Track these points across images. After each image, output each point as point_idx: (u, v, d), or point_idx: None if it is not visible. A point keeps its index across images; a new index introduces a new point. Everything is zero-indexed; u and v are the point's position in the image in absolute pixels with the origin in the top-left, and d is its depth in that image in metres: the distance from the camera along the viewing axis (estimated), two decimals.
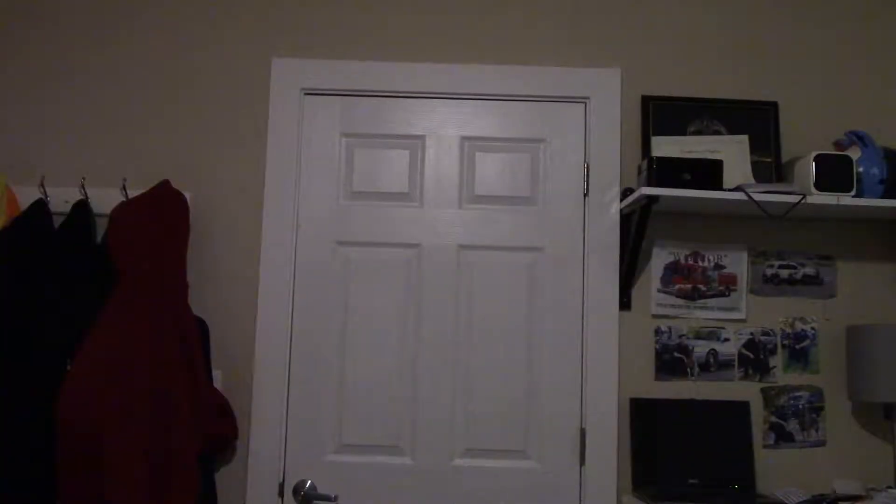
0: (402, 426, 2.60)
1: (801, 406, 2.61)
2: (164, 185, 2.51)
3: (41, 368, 2.30)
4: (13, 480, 2.25)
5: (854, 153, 2.50)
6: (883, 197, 2.46)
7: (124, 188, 2.57)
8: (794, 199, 2.42)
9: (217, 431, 2.45)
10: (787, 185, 2.51)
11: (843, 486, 2.51)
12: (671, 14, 2.75)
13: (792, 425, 2.60)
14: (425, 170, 2.69)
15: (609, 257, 2.62)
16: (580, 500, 2.56)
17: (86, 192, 2.55)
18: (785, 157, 2.65)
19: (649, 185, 2.41)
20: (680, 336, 2.63)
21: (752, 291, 2.65)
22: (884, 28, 2.76)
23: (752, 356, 2.63)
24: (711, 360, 2.62)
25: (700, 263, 2.65)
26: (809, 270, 2.66)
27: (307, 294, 2.64)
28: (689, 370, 2.62)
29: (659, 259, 2.65)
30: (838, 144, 2.62)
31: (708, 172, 2.43)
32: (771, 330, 2.64)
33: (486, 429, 2.60)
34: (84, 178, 2.57)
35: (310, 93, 2.70)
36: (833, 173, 2.42)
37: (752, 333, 2.64)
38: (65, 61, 2.70)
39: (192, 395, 2.34)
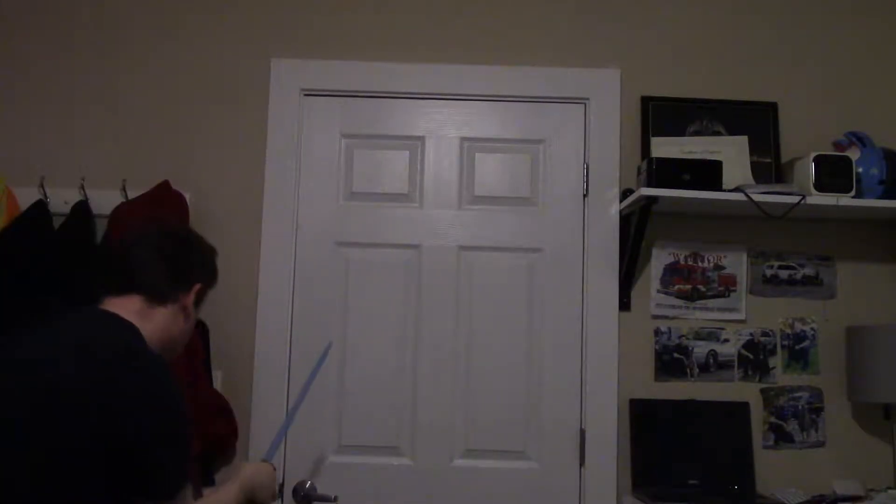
0: (402, 427, 2.60)
1: (800, 406, 2.61)
2: (164, 186, 2.51)
3: None
4: None
5: (853, 154, 2.50)
6: (882, 197, 2.46)
7: (124, 188, 2.57)
8: (793, 199, 2.42)
9: (217, 431, 2.45)
10: (787, 185, 2.51)
11: (843, 487, 2.51)
12: (671, 15, 2.74)
13: (791, 426, 2.60)
14: (425, 170, 2.68)
15: (609, 258, 2.62)
16: (580, 501, 2.56)
17: (86, 193, 2.55)
18: (784, 158, 2.65)
19: (649, 185, 2.41)
20: (679, 337, 2.63)
21: (751, 292, 2.65)
22: (883, 28, 2.76)
23: (751, 357, 2.63)
24: (711, 360, 2.62)
25: (700, 264, 2.65)
26: (809, 271, 2.66)
27: (307, 294, 2.63)
28: (688, 371, 2.62)
29: (658, 260, 2.65)
30: (838, 145, 2.62)
31: (707, 173, 2.43)
32: (770, 330, 2.64)
33: (485, 429, 2.59)
34: (84, 179, 2.57)
35: (309, 93, 2.69)
36: (832, 174, 2.42)
37: (751, 334, 2.63)
38: (64, 61, 2.70)
39: (192, 396, 2.34)
